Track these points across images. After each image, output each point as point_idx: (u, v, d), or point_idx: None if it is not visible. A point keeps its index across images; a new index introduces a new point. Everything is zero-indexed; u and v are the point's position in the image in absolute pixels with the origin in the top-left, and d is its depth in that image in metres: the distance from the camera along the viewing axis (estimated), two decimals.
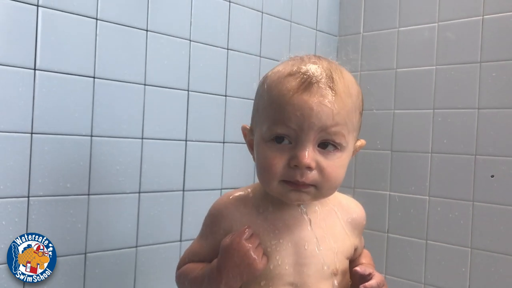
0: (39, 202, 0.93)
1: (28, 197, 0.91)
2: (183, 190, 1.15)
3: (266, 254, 0.71)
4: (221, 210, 0.77)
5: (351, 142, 0.71)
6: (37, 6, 0.91)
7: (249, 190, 0.78)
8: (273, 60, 1.34)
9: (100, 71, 1.00)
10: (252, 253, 0.68)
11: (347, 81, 0.70)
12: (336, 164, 0.69)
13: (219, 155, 1.23)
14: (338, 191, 0.79)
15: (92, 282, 1.00)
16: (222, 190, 1.22)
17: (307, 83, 0.67)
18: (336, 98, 0.67)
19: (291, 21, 1.40)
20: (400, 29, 1.41)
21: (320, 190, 0.69)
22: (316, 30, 1.48)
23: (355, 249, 0.80)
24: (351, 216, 0.79)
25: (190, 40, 1.15)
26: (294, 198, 0.70)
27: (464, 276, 1.26)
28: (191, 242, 0.82)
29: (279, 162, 0.68)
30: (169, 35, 1.11)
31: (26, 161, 0.91)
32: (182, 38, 1.14)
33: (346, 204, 0.79)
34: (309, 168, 0.66)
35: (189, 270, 0.77)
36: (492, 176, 1.23)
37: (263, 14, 1.32)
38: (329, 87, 0.67)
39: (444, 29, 1.32)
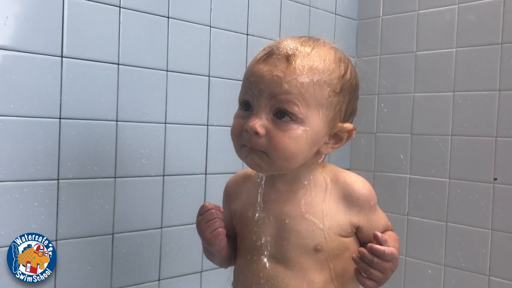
0: (68, 185, 0.96)
1: (58, 179, 0.95)
2: (206, 174, 1.18)
3: (251, 236, 0.77)
4: (228, 186, 0.86)
5: (315, 117, 0.70)
6: None
7: None
8: None
9: (124, 58, 1.03)
10: (201, 228, 0.78)
11: (317, 56, 0.72)
12: (288, 135, 0.69)
13: None
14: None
15: (119, 261, 1.04)
16: None
17: (268, 54, 0.71)
18: (289, 67, 0.69)
19: (310, 6, 1.40)
20: (419, 11, 1.41)
21: (271, 158, 0.70)
22: (335, 14, 1.49)
23: (358, 228, 0.77)
24: (346, 192, 0.76)
25: (210, 26, 1.17)
26: (250, 162, 0.73)
27: (485, 257, 1.27)
28: None
29: (238, 127, 0.73)
30: (190, 22, 1.13)
31: (55, 145, 0.95)
32: (202, 25, 1.16)
33: (343, 180, 0.77)
34: (257, 134, 0.69)
35: None
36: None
37: None
38: (286, 58, 0.70)
39: (464, 10, 1.32)
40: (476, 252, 1.29)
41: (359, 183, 0.77)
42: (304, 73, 0.69)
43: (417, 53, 1.41)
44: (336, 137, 0.76)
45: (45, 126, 0.93)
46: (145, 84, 1.07)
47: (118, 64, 1.02)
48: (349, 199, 0.76)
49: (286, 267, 0.74)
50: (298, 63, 0.70)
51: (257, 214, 0.77)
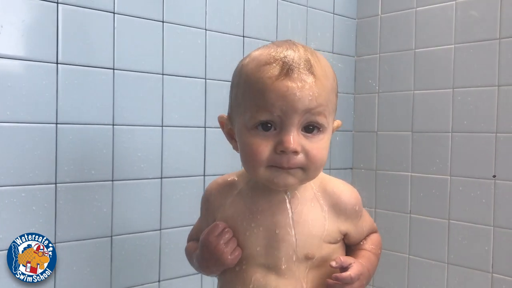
0: (66, 189, 0.98)
1: (56, 183, 0.97)
2: (204, 175, 1.19)
3: (240, 246, 0.75)
4: (207, 195, 0.83)
5: (331, 123, 0.73)
6: (57, 3, 0.96)
7: (235, 175, 0.82)
8: None
9: (119, 62, 1.05)
10: (220, 249, 0.74)
11: (323, 64, 0.72)
12: (320, 146, 0.71)
13: None
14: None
15: (118, 263, 1.06)
16: None
17: (287, 69, 0.68)
18: (316, 81, 0.69)
19: (307, 6, 1.41)
20: (417, 9, 1.40)
21: (306, 172, 0.71)
22: (334, 13, 1.49)
23: (346, 235, 0.79)
24: (334, 201, 0.77)
25: (206, 30, 1.18)
26: (282, 182, 0.71)
27: (487, 255, 1.26)
28: None
29: (264, 149, 0.69)
30: (185, 25, 1.15)
31: (52, 150, 0.97)
32: (198, 28, 1.17)
33: (331, 189, 0.78)
34: (295, 152, 0.68)
35: (189, 249, 0.86)
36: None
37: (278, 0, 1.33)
38: (309, 71, 0.69)
39: (462, 6, 1.31)
40: (478, 249, 1.28)
41: (346, 193, 0.79)
42: (326, 84, 0.70)
43: (416, 50, 1.41)
44: None
45: (42, 131, 0.95)
46: (141, 88, 1.08)
47: (114, 69, 1.04)
48: (337, 208, 0.77)
49: (277, 275, 0.74)
50: (320, 75, 0.69)
51: (246, 225, 0.76)
